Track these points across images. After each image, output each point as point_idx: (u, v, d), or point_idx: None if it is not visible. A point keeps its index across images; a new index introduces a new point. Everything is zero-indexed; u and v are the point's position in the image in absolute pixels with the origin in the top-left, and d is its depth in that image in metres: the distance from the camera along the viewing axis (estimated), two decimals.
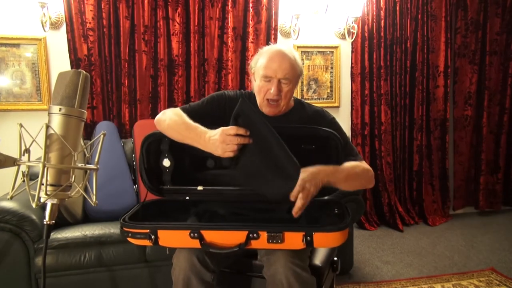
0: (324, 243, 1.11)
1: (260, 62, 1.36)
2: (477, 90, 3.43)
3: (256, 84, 1.38)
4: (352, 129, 3.19)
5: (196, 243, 1.11)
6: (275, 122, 1.39)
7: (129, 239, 1.17)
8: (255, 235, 1.07)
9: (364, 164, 1.33)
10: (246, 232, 1.08)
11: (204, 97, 2.89)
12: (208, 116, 1.38)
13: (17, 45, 2.55)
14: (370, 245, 2.81)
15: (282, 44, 1.47)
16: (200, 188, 1.39)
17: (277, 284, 1.15)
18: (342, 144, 1.30)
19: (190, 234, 1.10)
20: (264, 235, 1.07)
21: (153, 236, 1.12)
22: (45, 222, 1.20)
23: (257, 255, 1.33)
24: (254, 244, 1.09)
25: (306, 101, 1.54)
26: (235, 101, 1.43)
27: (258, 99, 1.38)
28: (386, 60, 3.14)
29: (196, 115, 1.33)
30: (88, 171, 1.31)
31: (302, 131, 1.31)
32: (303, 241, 1.06)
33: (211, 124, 1.25)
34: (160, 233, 1.12)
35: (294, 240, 1.07)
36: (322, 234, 1.06)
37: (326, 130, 1.28)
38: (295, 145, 1.16)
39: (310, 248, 1.11)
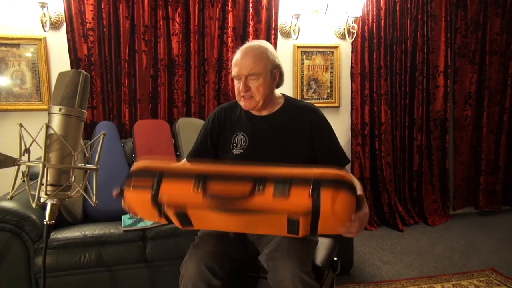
0: (332, 205, 0.97)
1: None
2: (477, 90, 3.43)
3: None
4: (352, 129, 3.19)
5: (198, 197, 1.02)
6: (265, 121, 1.42)
7: (126, 191, 1.06)
8: (261, 187, 0.99)
9: (351, 175, 1.34)
10: (251, 184, 1.00)
11: (203, 97, 2.91)
12: (213, 132, 1.48)
13: (17, 45, 2.55)
14: (370, 245, 2.81)
15: (259, 41, 1.44)
16: None
17: None
18: None
19: (195, 184, 1.02)
20: (270, 188, 0.99)
21: (155, 186, 1.02)
22: (45, 222, 1.20)
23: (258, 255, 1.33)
24: (258, 199, 1.00)
25: (306, 101, 1.54)
26: (229, 108, 1.48)
27: (237, 99, 1.41)
28: (386, 60, 3.14)
29: (205, 139, 1.48)
30: (88, 171, 1.30)
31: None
32: (309, 196, 0.96)
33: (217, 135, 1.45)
34: (164, 184, 1.03)
35: (299, 195, 0.97)
36: (332, 193, 0.96)
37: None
38: None
39: (315, 230, 1.02)
